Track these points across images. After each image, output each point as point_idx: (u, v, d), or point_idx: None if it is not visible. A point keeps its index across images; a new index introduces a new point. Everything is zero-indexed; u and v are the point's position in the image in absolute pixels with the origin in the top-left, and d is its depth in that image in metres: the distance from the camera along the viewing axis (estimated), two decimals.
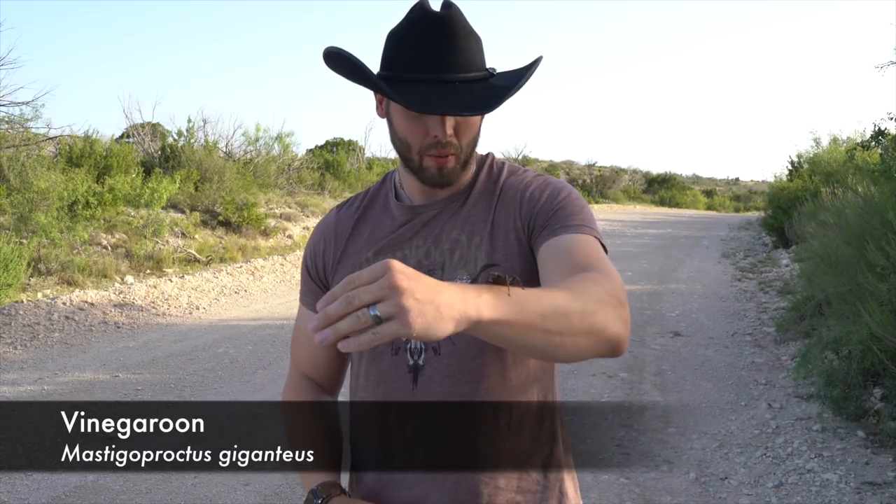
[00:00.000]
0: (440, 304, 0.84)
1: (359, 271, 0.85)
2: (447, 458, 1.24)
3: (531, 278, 1.19)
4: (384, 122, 1.26)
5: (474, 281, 1.22)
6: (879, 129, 6.85)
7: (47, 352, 6.27)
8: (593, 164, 36.43)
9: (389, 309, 0.82)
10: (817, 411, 4.67)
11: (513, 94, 1.21)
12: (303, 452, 1.28)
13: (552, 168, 34.26)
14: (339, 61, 1.20)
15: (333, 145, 22.50)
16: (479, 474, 1.23)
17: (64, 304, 7.41)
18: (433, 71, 1.16)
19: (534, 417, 1.27)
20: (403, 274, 0.83)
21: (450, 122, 1.18)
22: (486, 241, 1.24)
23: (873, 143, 7.06)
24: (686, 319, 7.94)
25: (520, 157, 30.63)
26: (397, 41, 1.20)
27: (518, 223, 1.24)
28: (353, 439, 1.34)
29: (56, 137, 11.72)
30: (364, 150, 21.93)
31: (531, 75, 1.24)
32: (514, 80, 1.21)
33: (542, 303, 0.94)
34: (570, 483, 1.33)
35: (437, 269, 1.24)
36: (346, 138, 22.87)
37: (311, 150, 21.56)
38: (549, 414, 1.30)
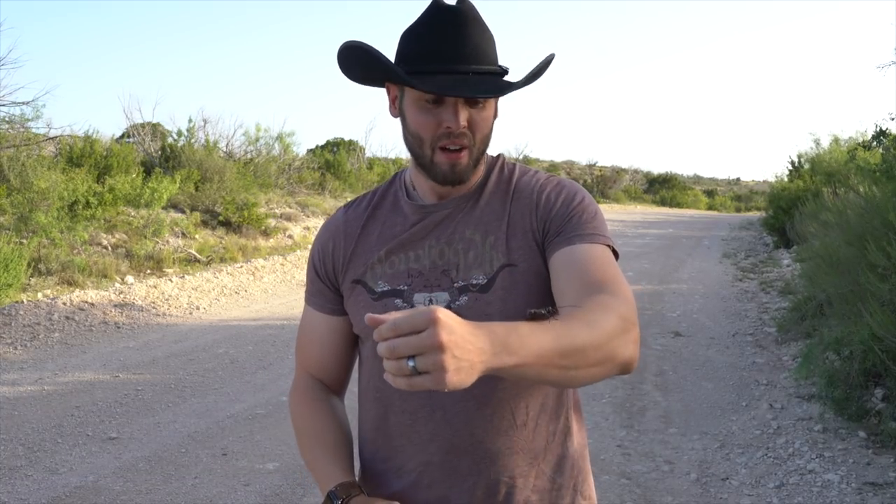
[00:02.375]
0: (474, 360, 0.86)
1: (404, 316, 0.85)
2: (465, 458, 1.23)
3: (546, 278, 1.20)
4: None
5: (491, 280, 1.22)
6: (881, 129, 6.84)
7: (47, 352, 6.26)
8: (594, 164, 36.44)
9: (428, 366, 0.84)
10: (819, 412, 4.66)
11: (526, 83, 1.22)
12: (316, 453, 1.28)
13: (553, 168, 34.27)
14: (354, 57, 1.21)
15: (334, 145, 22.51)
16: (497, 474, 1.23)
17: (64, 304, 7.41)
18: (447, 62, 1.16)
19: (550, 415, 1.27)
20: (447, 329, 0.84)
21: (463, 113, 1.18)
22: (503, 241, 1.24)
23: (874, 143, 7.04)
24: (687, 320, 7.93)
25: (521, 157, 30.61)
26: (412, 36, 1.21)
27: (534, 225, 1.24)
28: (366, 440, 1.34)
29: (56, 137, 11.72)
30: (364, 150, 21.95)
31: (545, 69, 1.24)
32: (527, 74, 1.22)
33: (562, 341, 0.96)
34: (586, 480, 1.32)
35: (451, 269, 1.24)
36: (346, 138, 22.91)
37: (311, 150, 21.59)
38: (566, 411, 1.30)
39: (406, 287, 1.24)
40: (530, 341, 0.92)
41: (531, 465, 1.25)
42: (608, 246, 1.20)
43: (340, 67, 1.25)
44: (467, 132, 1.19)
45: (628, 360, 1.05)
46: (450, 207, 1.27)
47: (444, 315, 0.85)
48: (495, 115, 1.25)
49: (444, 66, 1.16)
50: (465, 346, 0.85)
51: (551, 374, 0.96)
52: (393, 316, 0.86)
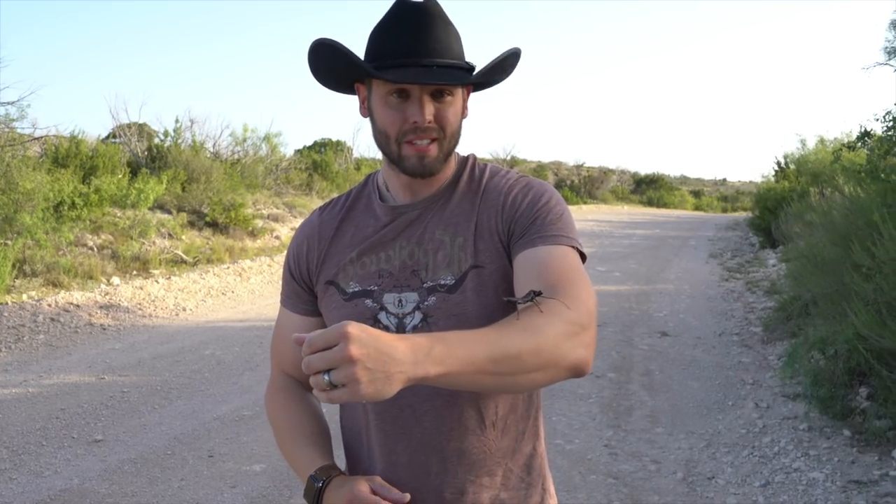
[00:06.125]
0: (390, 371, 0.89)
1: (319, 333, 0.89)
2: (432, 457, 1.24)
3: (513, 280, 1.20)
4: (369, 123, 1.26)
5: (459, 281, 1.22)
6: (865, 130, 6.89)
7: (32, 354, 6.21)
8: (581, 165, 36.49)
9: (341, 378, 0.88)
10: (804, 410, 4.69)
11: (488, 73, 1.23)
12: (294, 444, 1.28)
13: (540, 168, 34.28)
14: (320, 56, 1.21)
15: (321, 146, 22.47)
16: (465, 473, 1.24)
17: (49, 305, 7.35)
18: (411, 55, 1.17)
19: (520, 416, 1.28)
20: (357, 342, 0.87)
21: (429, 107, 1.18)
22: (470, 242, 1.24)
23: (859, 143, 7.10)
24: (674, 319, 7.97)
25: (508, 158, 30.64)
26: (378, 33, 1.22)
27: (500, 227, 1.24)
28: (344, 440, 1.35)
29: (42, 137, 11.63)
30: (352, 150, 21.92)
31: (510, 60, 1.25)
32: (487, 65, 1.23)
33: (494, 348, 0.97)
34: (548, 478, 1.35)
35: (421, 270, 1.24)
36: (334, 139, 22.89)
37: (299, 150, 21.54)
38: (535, 411, 1.31)
39: (376, 287, 1.25)
40: (458, 350, 0.94)
41: (500, 465, 1.25)
42: (573, 248, 1.19)
43: (311, 71, 1.25)
44: (435, 126, 1.20)
45: (577, 364, 1.04)
46: (420, 208, 1.28)
47: (356, 329, 0.88)
48: (464, 114, 1.26)
49: (409, 59, 1.17)
50: (379, 357, 0.88)
51: (486, 381, 0.99)
52: (311, 335, 0.90)
